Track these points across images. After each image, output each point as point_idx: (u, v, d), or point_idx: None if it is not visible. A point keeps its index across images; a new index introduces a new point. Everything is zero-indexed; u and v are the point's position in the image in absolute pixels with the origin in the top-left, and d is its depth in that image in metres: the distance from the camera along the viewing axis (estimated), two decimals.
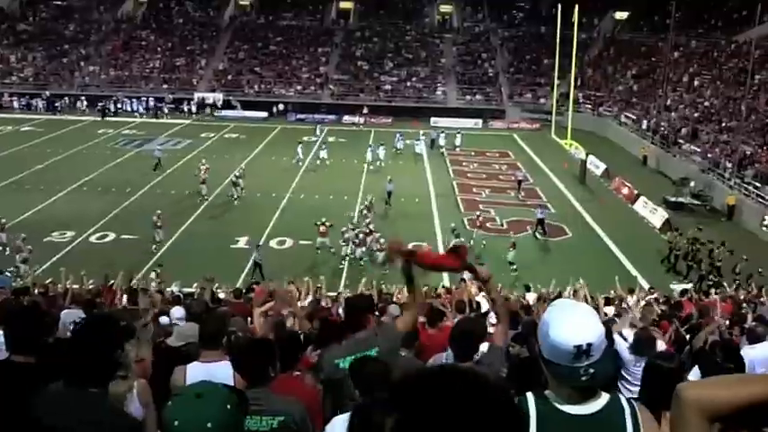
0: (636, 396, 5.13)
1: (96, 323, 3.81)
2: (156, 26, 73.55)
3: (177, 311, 9.54)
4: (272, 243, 29.65)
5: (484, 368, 5.21)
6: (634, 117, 54.51)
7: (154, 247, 28.45)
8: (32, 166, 41.14)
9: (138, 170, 41.06)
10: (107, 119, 57.37)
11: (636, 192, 37.79)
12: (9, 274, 23.79)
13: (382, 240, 26.78)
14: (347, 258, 28.00)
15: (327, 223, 28.41)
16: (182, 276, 22.08)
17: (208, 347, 5.39)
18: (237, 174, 36.91)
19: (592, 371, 2.71)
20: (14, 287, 18.45)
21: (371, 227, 28.48)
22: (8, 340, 4.49)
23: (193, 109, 61.28)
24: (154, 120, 58.26)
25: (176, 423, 2.39)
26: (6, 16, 74.41)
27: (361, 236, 27.96)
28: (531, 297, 18.58)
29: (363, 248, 27.73)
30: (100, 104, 59.53)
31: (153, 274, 23.02)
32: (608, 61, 66.98)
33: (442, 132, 50.18)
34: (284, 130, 55.79)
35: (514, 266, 27.15)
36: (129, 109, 60.59)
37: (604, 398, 2.82)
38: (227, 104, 61.54)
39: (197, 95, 62.47)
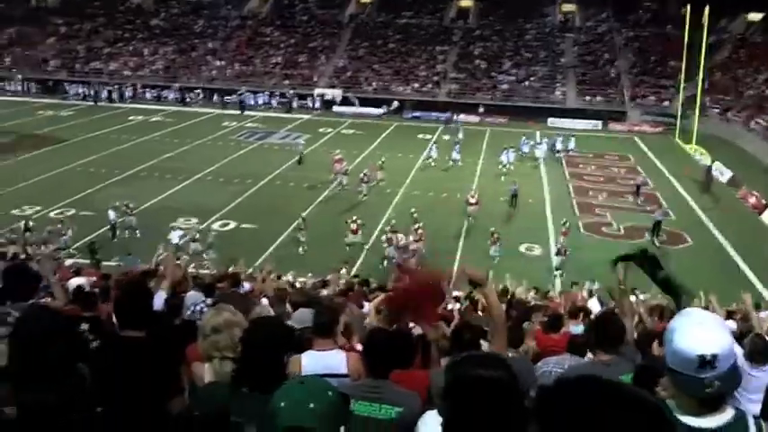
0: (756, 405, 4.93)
1: (266, 327, 3.85)
2: (279, 23, 75.63)
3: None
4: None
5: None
6: (765, 123, 51.67)
7: (301, 249, 28.47)
8: (161, 155, 43.25)
9: (259, 162, 42.37)
10: (245, 113, 59.50)
11: (764, 202, 35.86)
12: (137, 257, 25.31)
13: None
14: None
15: (359, 222, 28.98)
16: (294, 267, 22.74)
17: (321, 336, 5.52)
18: (366, 172, 36.83)
19: (717, 384, 2.60)
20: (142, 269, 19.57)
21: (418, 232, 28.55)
22: (118, 316, 4.63)
23: (317, 104, 62.66)
24: (275, 114, 59.99)
25: (282, 404, 2.61)
26: (141, 12, 78.60)
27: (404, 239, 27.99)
28: (593, 304, 18.38)
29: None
30: (238, 97, 61.87)
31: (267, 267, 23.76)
32: (738, 64, 63.79)
33: (560, 136, 48.84)
34: (399, 127, 56.24)
35: (560, 272, 26.82)
36: (252, 103, 62.61)
37: (729, 413, 2.71)
38: (345, 101, 62.61)
39: (317, 91, 63.90)
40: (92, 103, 61.39)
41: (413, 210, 31.21)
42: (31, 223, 28.85)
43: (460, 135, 48.90)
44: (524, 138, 47.70)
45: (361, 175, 36.36)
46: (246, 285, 14.13)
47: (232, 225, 31.51)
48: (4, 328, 4.24)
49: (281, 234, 30.09)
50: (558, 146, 47.61)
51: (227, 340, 4.43)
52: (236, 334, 4.32)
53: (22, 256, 24.41)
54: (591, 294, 20.62)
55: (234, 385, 3.64)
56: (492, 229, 28.59)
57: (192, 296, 11.53)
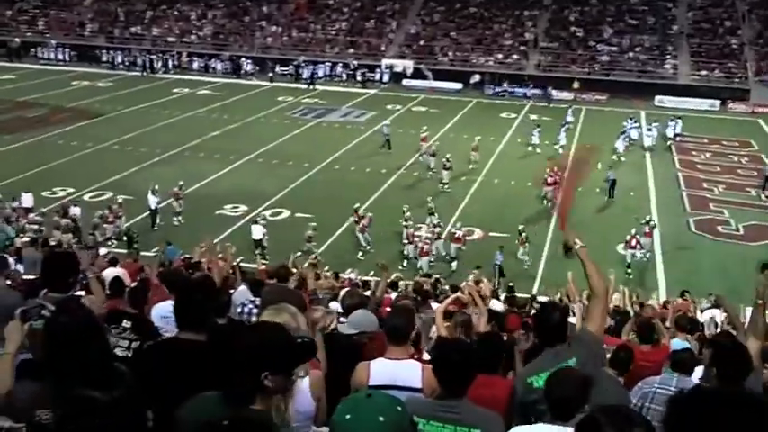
0: None
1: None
2: None
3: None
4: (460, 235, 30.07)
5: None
6: None
7: (360, 254, 28.57)
8: (208, 133, 44.16)
9: (317, 143, 42.88)
10: (307, 86, 60.17)
11: None
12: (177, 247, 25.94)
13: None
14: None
15: (361, 212, 29.60)
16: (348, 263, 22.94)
17: (395, 342, 5.50)
18: (446, 158, 36.42)
19: None
20: (186, 260, 20.04)
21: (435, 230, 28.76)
22: (178, 315, 4.70)
23: (385, 77, 62.97)
24: (337, 88, 60.53)
25: (348, 417, 2.71)
26: None
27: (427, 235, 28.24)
28: (709, 315, 18.09)
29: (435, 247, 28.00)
30: (295, 68, 62.71)
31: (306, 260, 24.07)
32: None
33: (672, 121, 47.43)
34: (480, 105, 56.07)
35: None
36: (310, 75, 62.80)
37: None
38: (416, 73, 62.50)
39: (384, 62, 64.02)
40: (136, 74, 62.95)
41: (429, 200, 31.33)
42: (75, 210, 29.53)
43: (569, 117, 47.82)
44: (630, 120, 46.52)
45: (444, 159, 36.21)
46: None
47: (285, 214, 32.05)
48: (39, 322, 4.45)
49: (339, 226, 30.41)
50: (672, 131, 46.24)
51: None
52: None
53: (71, 243, 25.46)
54: (706, 305, 20.30)
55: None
56: (520, 227, 28.42)
57: (241, 293, 11.87)
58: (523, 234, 27.98)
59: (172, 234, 27.85)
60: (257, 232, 28.18)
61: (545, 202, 33.23)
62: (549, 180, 32.91)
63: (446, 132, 45.96)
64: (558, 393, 4.38)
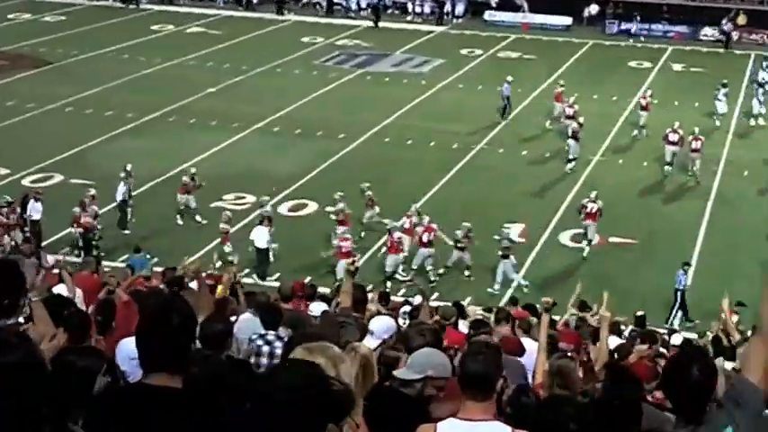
0: None
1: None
2: None
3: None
4: (563, 237, 30.47)
5: None
6: None
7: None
8: (201, 90, 44.51)
9: (358, 104, 43.12)
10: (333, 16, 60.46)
11: None
12: (149, 255, 26.28)
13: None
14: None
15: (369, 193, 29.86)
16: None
17: (472, 396, 5.53)
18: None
19: None
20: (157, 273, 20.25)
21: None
22: (143, 353, 4.69)
23: (459, 8, 62.87)
24: (386, 23, 60.52)
25: None
26: None
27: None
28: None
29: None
30: None
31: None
32: None
33: None
34: (598, 48, 55.82)
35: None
36: (347, 4, 63.52)
37: None
38: (505, 3, 62.23)
39: None
40: (102, 3, 63.47)
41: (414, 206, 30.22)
42: (33, 208, 29.01)
43: (764, 74, 46.59)
44: None
45: (574, 126, 35.92)
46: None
47: (311, 207, 32.22)
48: None
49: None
50: None
51: None
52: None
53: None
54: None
55: None
56: (500, 237, 27.98)
57: (247, 323, 12.10)
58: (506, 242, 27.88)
59: (149, 237, 28.41)
60: (261, 237, 27.60)
61: (668, 169, 33.97)
62: (673, 137, 34.31)
63: (547, 89, 45.62)
64: None
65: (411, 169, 35.15)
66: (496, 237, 27.60)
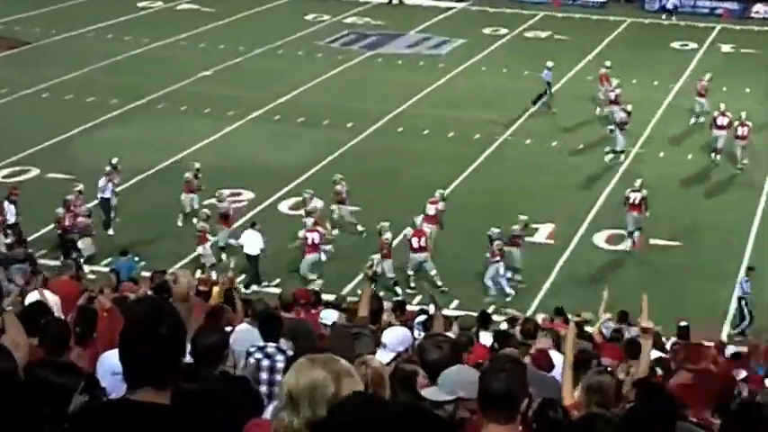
0: None
1: None
2: None
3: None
4: (598, 239, 30.13)
5: None
6: None
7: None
8: (192, 73, 44.43)
9: (369, 89, 43.03)
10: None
11: None
12: (137, 258, 26.19)
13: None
14: None
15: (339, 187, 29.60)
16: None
17: (494, 417, 5.38)
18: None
19: None
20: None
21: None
22: (127, 366, 4.61)
23: None
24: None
25: None
26: None
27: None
28: None
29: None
30: None
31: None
32: None
33: None
34: (639, 26, 55.63)
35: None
36: None
37: None
38: None
39: None
40: None
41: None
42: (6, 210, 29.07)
43: None
44: None
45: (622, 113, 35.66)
46: None
47: (316, 206, 31.77)
48: None
49: (403, 224, 30.12)
50: None
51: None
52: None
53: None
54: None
55: None
56: (493, 234, 27.51)
57: (244, 334, 11.78)
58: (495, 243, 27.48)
59: (136, 238, 28.23)
60: (252, 242, 27.22)
61: (716, 156, 34.10)
62: (720, 121, 34.31)
63: (579, 73, 45.75)
64: None
65: (426, 162, 34.93)
66: (490, 234, 27.08)
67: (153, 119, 38.97)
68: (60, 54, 46.84)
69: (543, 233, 29.74)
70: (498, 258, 26.93)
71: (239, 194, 32.16)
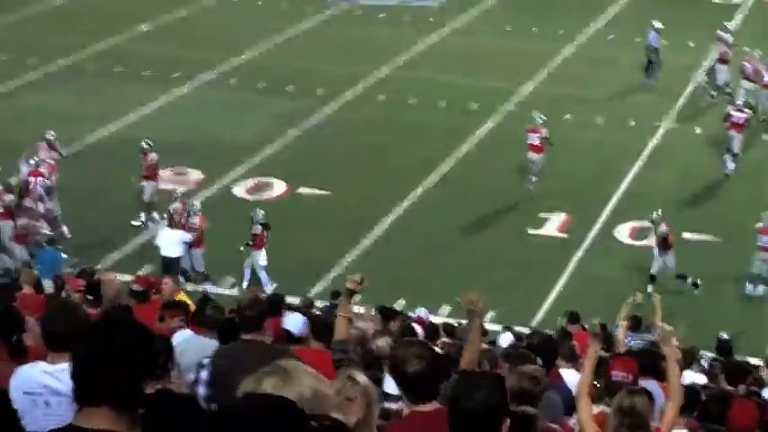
0: None
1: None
2: None
3: None
4: (620, 232, 30.30)
5: None
6: None
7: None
8: (128, 27, 44.41)
9: (344, 49, 43.09)
10: None
11: None
12: (62, 252, 26.35)
13: None
14: None
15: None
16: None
17: None
18: None
19: None
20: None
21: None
22: (78, 382, 4.52)
23: None
24: None
25: None
26: None
27: None
28: None
29: None
30: None
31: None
32: None
33: None
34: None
35: None
36: None
37: None
38: None
39: None
40: None
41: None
42: None
43: None
44: None
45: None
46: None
47: (277, 189, 32.20)
48: None
49: (386, 212, 30.43)
50: None
51: None
52: None
53: None
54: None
55: None
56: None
57: (194, 345, 11.79)
58: None
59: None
60: (169, 242, 27.15)
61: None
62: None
63: (598, 33, 45.91)
64: None
65: (414, 137, 35.21)
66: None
67: (81, 83, 39.05)
68: None
69: (554, 224, 30.00)
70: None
71: (185, 174, 32.30)
